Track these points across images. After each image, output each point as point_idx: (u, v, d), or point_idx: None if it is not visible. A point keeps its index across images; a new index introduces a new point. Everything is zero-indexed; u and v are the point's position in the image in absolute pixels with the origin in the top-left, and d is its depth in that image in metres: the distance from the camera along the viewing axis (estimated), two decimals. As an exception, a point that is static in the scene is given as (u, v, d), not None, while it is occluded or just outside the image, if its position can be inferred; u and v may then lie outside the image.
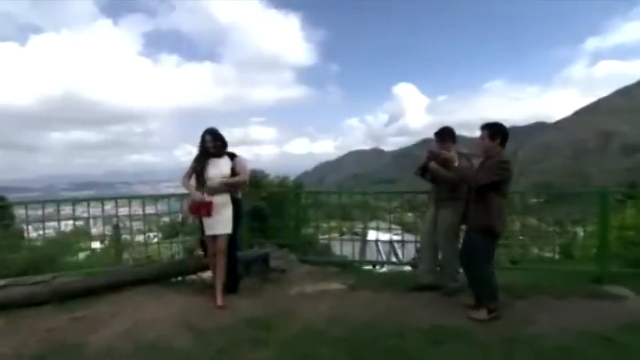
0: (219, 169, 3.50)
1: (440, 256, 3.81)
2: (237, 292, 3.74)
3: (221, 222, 3.49)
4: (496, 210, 3.06)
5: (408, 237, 5.42)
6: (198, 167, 3.50)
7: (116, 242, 5.30)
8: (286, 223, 5.67)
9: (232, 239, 3.63)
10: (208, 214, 3.42)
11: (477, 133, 3.20)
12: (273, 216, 6.03)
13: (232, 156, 3.58)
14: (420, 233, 4.08)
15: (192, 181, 3.53)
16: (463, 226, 3.54)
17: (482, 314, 3.09)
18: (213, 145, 3.50)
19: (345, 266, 4.69)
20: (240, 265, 4.46)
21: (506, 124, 3.21)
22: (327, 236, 5.53)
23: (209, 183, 3.47)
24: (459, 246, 3.57)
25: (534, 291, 3.66)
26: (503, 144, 3.13)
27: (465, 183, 3.29)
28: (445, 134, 3.67)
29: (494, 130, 3.11)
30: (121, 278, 3.80)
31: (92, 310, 3.35)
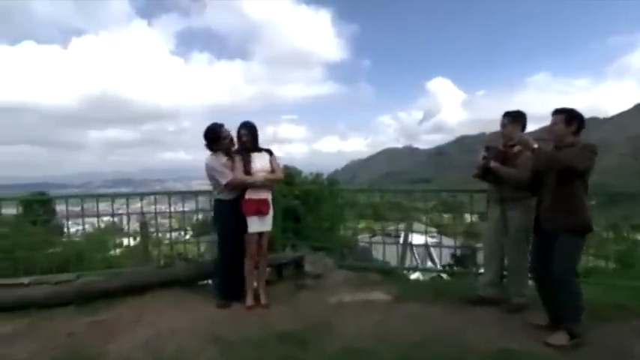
0: (263, 163, 3.44)
1: (507, 265, 3.35)
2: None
3: (269, 218, 3.46)
4: (586, 203, 2.67)
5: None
6: (245, 161, 3.39)
7: (144, 240, 5.23)
8: (321, 223, 5.34)
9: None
10: (268, 211, 3.41)
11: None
12: (307, 215, 5.73)
13: (269, 152, 3.54)
14: (482, 239, 3.62)
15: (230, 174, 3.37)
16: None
17: (563, 339, 2.62)
18: (248, 139, 3.42)
19: (388, 273, 4.30)
20: (271, 269, 4.22)
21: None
22: (366, 237, 5.13)
23: (255, 177, 3.38)
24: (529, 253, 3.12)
25: (621, 312, 3.12)
26: (577, 133, 2.73)
27: (540, 174, 2.83)
28: (518, 117, 3.22)
29: (571, 116, 2.71)
30: (145, 280, 3.64)
31: (113, 314, 3.20)
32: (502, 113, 3.28)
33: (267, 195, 3.43)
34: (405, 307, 3.38)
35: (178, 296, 3.56)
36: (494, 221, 3.33)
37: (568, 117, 2.70)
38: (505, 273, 3.44)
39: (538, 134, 3.35)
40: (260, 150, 3.49)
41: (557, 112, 2.75)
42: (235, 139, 3.47)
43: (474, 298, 3.39)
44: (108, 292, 3.47)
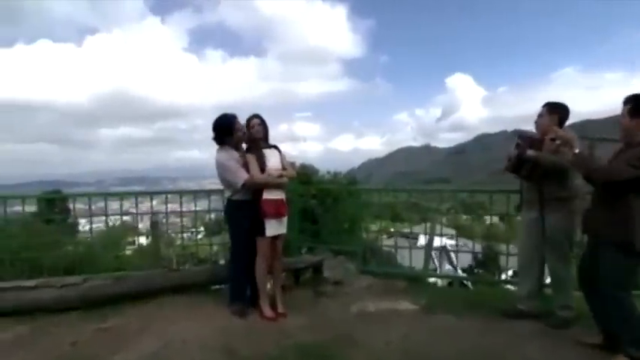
0: (276, 160, 3.25)
1: (549, 274, 3.07)
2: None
3: (286, 220, 3.29)
4: (638, 217, 2.28)
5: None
6: (260, 159, 3.15)
7: (155, 241, 5.14)
8: (340, 225, 5.13)
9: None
10: (286, 212, 3.27)
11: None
12: (325, 216, 5.52)
13: (277, 149, 3.35)
14: (517, 244, 3.35)
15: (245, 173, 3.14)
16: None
17: (620, 363, 2.34)
18: (259, 127, 3.21)
19: (414, 280, 4.07)
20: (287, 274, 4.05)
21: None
22: (390, 240, 4.89)
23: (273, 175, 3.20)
24: (575, 262, 2.84)
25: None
26: None
27: (589, 179, 2.52)
28: (557, 109, 2.90)
29: (637, 105, 2.31)
30: (155, 284, 3.50)
31: (121, 321, 3.07)
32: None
33: (283, 195, 3.26)
34: (435, 319, 3.15)
35: (190, 302, 3.42)
36: (530, 225, 3.04)
37: (633, 107, 2.30)
38: (546, 283, 3.18)
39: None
40: (269, 146, 3.29)
41: (626, 102, 2.35)
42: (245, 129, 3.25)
43: (512, 310, 3.13)
44: (116, 296, 3.35)
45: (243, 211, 3.19)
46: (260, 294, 3.26)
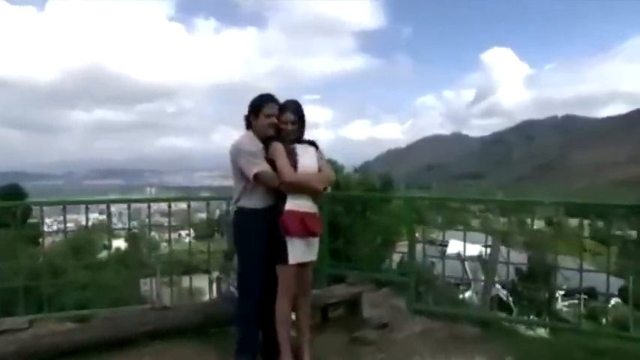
0: (310, 161, 2.87)
1: None
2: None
3: (317, 242, 2.90)
4: None
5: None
6: (291, 155, 2.79)
7: (134, 259, 4.73)
8: (374, 240, 4.59)
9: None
10: (319, 231, 2.88)
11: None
12: (354, 229, 4.95)
13: (314, 145, 3.05)
14: None
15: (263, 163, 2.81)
16: None
17: None
18: (293, 127, 2.89)
19: (487, 324, 3.52)
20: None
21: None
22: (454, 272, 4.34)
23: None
24: None
25: None
26: None
27: None
28: None
29: None
30: (133, 328, 3.04)
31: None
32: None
33: (315, 207, 2.84)
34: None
35: (182, 354, 3.03)
36: None
37: None
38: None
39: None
40: (303, 141, 2.96)
41: None
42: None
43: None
44: (76, 347, 2.85)
45: (258, 222, 2.80)
46: (280, 343, 2.84)
